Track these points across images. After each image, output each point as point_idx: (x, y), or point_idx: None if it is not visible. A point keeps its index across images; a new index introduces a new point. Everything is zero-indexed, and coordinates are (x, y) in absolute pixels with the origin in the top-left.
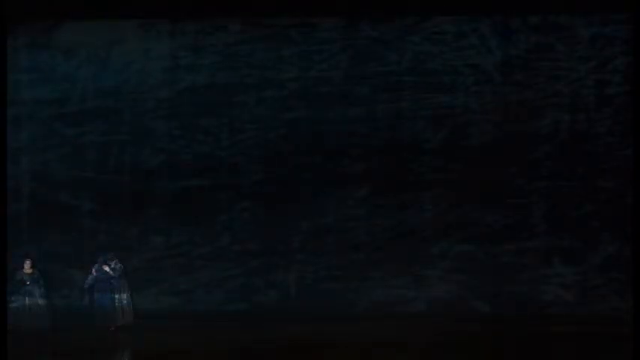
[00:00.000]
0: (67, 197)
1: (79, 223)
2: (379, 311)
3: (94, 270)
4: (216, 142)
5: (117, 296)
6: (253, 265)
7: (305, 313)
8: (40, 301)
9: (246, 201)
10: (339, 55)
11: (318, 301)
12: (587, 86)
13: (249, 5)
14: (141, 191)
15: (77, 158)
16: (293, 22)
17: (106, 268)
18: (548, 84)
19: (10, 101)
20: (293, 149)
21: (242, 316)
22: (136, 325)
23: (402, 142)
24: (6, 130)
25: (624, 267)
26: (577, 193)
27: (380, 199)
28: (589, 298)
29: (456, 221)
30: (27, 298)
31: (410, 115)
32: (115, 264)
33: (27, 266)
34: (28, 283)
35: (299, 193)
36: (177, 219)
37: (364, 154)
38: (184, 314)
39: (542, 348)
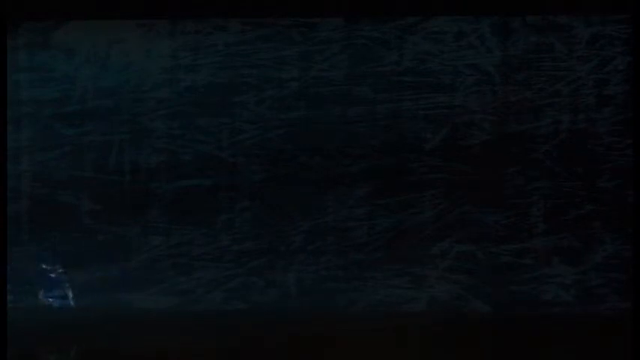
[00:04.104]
0: (67, 197)
1: (79, 223)
2: (379, 311)
3: (56, 272)
4: (216, 142)
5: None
6: (253, 265)
7: (305, 313)
8: (40, 301)
9: (246, 201)
10: (339, 55)
11: (318, 301)
12: (587, 86)
13: (249, 5)
14: (141, 191)
15: (77, 158)
16: (293, 22)
17: (60, 270)
18: (548, 84)
19: (10, 101)
20: (293, 149)
21: (242, 316)
22: (136, 325)
23: (402, 142)
24: (6, 130)
25: (624, 267)
26: (577, 193)
27: (380, 199)
28: (589, 298)
29: (456, 221)
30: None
31: (410, 115)
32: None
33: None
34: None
35: (299, 193)
36: (177, 219)
37: (364, 154)
38: (184, 314)
39: (543, 348)
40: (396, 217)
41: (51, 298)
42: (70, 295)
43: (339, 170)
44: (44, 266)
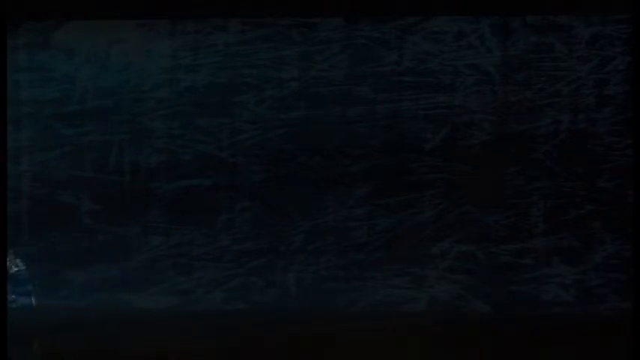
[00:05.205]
0: (67, 197)
1: (79, 223)
2: (379, 311)
3: (17, 270)
4: (216, 142)
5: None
6: (253, 265)
7: (305, 313)
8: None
9: (246, 201)
10: (339, 55)
11: (318, 301)
12: (587, 86)
13: (249, 5)
14: (141, 191)
15: (77, 158)
16: (293, 22)
17: (21, 267)
18: (548, 84)
19: (10, 101)
20: (293, 149)
21: (242, 316)
22: (136, 325)
23: (402, 142)
24: (6, 130)
25: (624, 267)
26: (577, 193)
27: (380, 199)
28: (589, 298)
29: (456, 221)
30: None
31: (410, 115)
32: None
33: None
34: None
35: (299, 193)
36: (178, 219)
37: (364, 154)
38: (184, 314)
39: (542, 348)
40: (396, 217)
41: (11, 296)
42: (32, 293)
43: (339, 170)
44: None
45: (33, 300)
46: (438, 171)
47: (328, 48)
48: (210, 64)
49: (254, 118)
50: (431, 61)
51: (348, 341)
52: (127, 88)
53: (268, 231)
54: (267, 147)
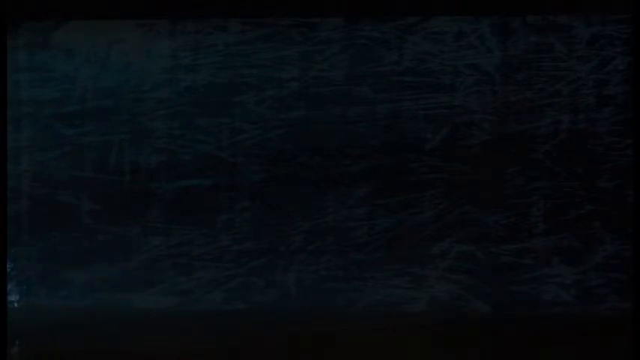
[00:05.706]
0: (67, 197)
1: (79, 223)
2: (379, 311)
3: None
4: (216, 142)
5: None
6: (253, 265)
7: (305, 313)
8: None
9: (246, 201)
10: (339, 55)
11: (318, 301)
12: (587, 86)
13: (249, 5)
14: (141, 191)
15: (77, 158)
16: (293, 22)
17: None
18: (548, 84)
19: (10, 101)
20: (293, 149)
21: (242, 316)
22: (136, 325)
23: (402, 142)
24: (6, 130)
25: (624, 267)
26: (577, 193)
27: (380, 199)
28: (589, 298)
29: (456, 221)
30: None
31: (410, 115)
32: None
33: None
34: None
35: (299, 193)
36: (177, 219)
37: (364, 154)
38: (184, 314)
39: (542, 348)
40: (396, 217)
41: None
42: (22, 293)
43: (339, 170)
44: None
45: (15, 303)
46: (438, 171)
47: (328, 48)
48: (210, 64)
49: (254, 118)
50: (431, 61)
51: (348, 341)
52: (127, 88)
53: (268, 231)
54: (267, 147)
